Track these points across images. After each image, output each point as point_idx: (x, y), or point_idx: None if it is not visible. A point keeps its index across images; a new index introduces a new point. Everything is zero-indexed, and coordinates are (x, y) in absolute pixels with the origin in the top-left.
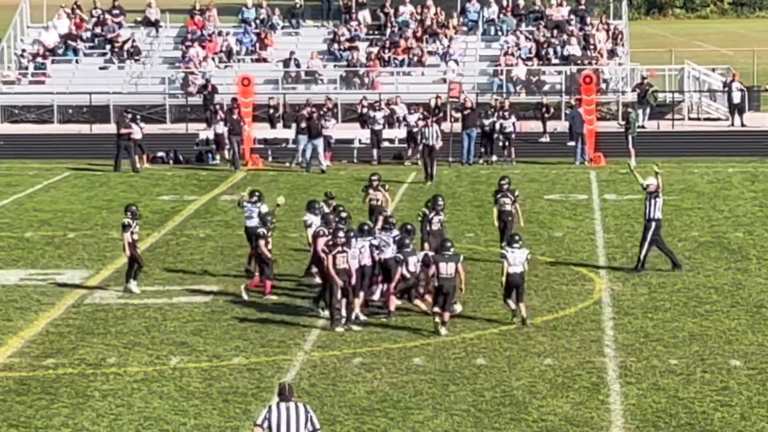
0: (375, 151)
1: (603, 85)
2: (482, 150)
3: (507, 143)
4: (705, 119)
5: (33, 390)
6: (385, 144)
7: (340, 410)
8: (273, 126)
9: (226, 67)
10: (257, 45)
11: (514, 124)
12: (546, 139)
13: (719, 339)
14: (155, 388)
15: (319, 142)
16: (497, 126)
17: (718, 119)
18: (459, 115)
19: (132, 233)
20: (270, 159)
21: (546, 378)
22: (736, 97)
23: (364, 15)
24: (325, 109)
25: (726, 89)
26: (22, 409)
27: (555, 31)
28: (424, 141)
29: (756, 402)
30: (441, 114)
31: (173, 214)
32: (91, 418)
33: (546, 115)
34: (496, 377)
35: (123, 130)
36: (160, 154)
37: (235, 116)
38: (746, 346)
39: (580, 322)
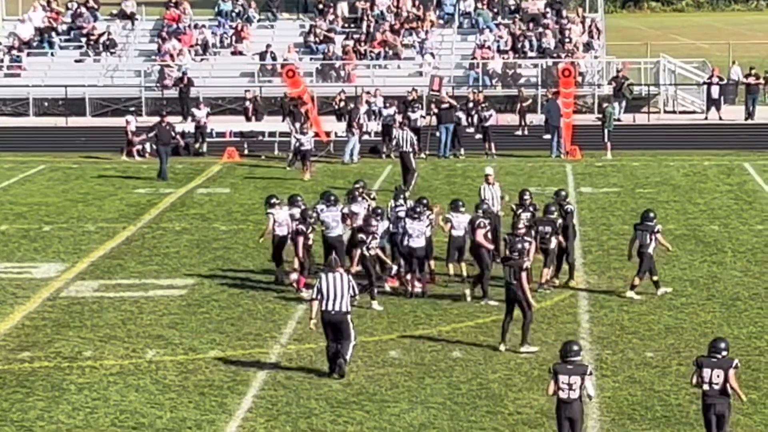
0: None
1: (579, 78)
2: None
3: (486, 137)
4: (681, 112)
5: (8, 383)
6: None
7: (317, 403)
8: (248, 119)
9: (202, 60)
10: (233, 38)
11: (492, 116)
12: (522, 132)
13: (694, 332)
14: (131, 381)
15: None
16: (476, 119)
17: (694, 112)
18: (436, 109)
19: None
20: (246, 152)
21: (522, 371)
22: (714, 92)
23: (342, 7)
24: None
25: (705, 83)
26: None
27: (531, 24)
28: (399, 147)
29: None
30: (418, 106)
31: (149, 207)
32: (66, 411)
33: (523, 107)
34: (472, 370)
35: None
36: (136, 147)
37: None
38: None
39: (556, 315)
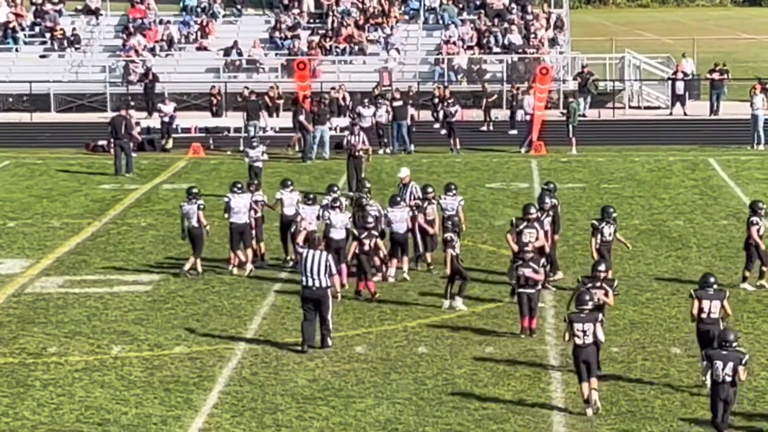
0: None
1: None
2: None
3: (451, 132)
4: (645, 108)
5: None
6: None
7: (282, 399)
8: (214, 115)
9: (167, 55)
10: (198, 33)
11: (458, 111)
12: (487, 127)
13: (660, 327)
14: (96, 378)
15: (325, 129)
16: (441, 115)
17: (659, 108)
18: (390, 106)
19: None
20: (211, 147)
21: (487, 366)
22: (679, 87)
23: (308, 3)
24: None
25: (670, 79)
26: None
27: (496, 20)
28: (350, 152)
29: (696, 389)
30: (382, 102)
31: (114, 203)
32: (31, 407)
33: (489, 103)
34: (437, 365)
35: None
36: (101, 142)
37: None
38: (686, 333)
39: None
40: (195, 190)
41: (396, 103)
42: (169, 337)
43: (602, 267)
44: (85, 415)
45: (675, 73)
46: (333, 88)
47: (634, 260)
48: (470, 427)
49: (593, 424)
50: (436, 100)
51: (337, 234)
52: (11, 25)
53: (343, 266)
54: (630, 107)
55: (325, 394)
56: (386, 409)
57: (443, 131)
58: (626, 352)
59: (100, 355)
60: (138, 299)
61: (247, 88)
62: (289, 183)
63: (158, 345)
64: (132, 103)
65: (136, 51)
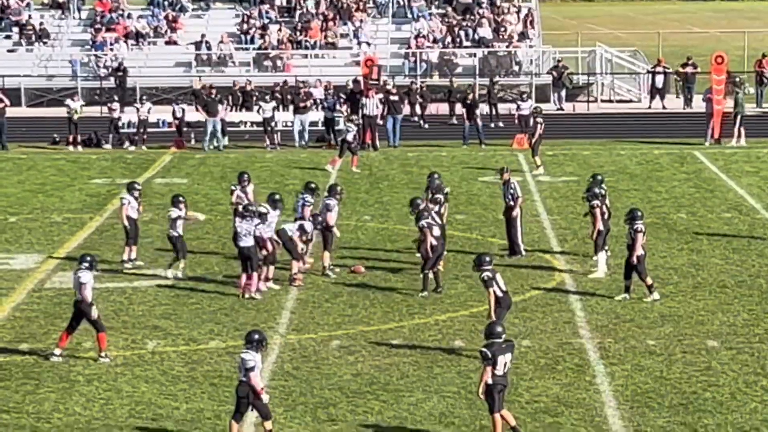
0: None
1: (516, 68)
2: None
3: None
4: (617, 101)
5: (15, 375)
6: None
7: (331, 393)
8: (198, 109)
9: (135, 49)
10: (167, 27)
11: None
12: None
13: (690, 319)
14: (139, 373)
15: (305, 119)
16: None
17: (630, 101)
18: (384, 99)
19: None
20: (193, 142)
21: (528, 359)
22: (659, 81)
23: None
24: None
25: (650, 72)
26: (9, 394)
27: (466, 14)
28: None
29: (743, 382)
30: (359, 99)
31: (110, 197)
32: (81, 402)
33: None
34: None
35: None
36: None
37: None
38: (718, 326)
39: (549, 304)
40: (181, 198)
41: (392, 98)
42: (202, 331)
43: None
44: (137, 410)
45: (655, 66)
46: (303, 82)
47: (648, 253)
48: (527, 420)
49: (648, 417)
50: (417, 95)
51: (244, 242)
52: None
53: (255, 275)
54: (601, 101)
55: (372, 388)
56: (437, 402)
57: (426, 126)
58: (663, 344)
59: (137, 350)
60: (161, 293)
61: (211, 85)
62: (245, 177)
63: (193, 339)
64: (140, 98)
65: (105, 45)
